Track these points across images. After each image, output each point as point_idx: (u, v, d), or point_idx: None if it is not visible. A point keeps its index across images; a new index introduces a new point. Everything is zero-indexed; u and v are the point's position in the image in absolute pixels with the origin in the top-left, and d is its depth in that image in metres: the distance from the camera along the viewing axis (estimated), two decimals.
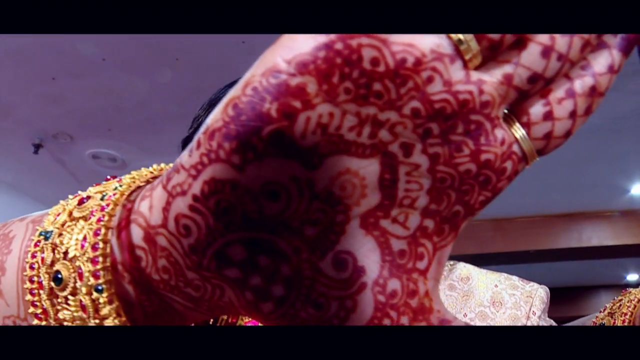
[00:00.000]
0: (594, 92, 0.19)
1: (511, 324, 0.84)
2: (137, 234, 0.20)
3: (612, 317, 0.79)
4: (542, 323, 0.84)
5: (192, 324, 0.26)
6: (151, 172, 0.23)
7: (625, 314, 0.81)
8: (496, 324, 0.87)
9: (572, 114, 0.19)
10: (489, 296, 0.88)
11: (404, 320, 0.19)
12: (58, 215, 0.22)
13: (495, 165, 0.19)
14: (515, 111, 0.20)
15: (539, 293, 0.89)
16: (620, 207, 4.00)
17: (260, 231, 0.18)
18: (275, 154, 0.17)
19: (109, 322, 0.20)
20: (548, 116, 0.19)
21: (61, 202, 0.23)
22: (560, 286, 5.86)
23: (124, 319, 0.20)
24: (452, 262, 0.98)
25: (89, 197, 0.22)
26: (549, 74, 0.19)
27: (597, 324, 0.83)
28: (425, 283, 0.20)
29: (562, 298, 5.91)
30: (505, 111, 0.20)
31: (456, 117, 0.18)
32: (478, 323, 0.86)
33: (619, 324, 0.78)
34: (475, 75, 0.18)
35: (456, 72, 0.18)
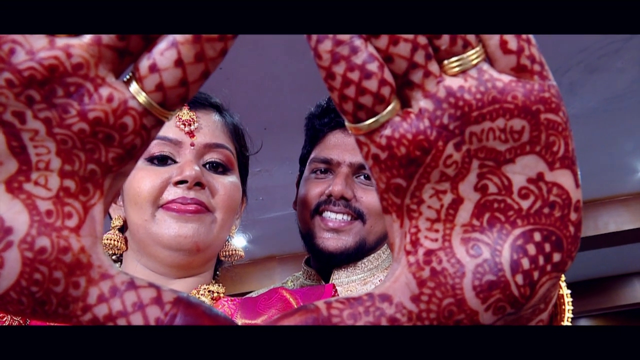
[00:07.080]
0: (199, 39, 0.20)
1: None
2: None
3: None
4: None
5: None
6: None
7: None
8: None
9: (179, 62, 0.20)
10: None
11: (58, 275, 0.21)
12: None
13: (109, 122, 0.21)
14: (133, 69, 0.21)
15: None
16: (632, 189, 3.91)
17: None
18: None
19: None
20: (153, 68, 0.21)
21: None
22: (587, 278, 5.71)
23: None
24: None
25: None
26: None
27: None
28: (79, 240, 0.21)
29: (592, 290, 5.75)
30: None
31: (51, 82, 0.20)
32: None
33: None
34: (61, 41, 0.20)
35: (37, 41, 0.20)
